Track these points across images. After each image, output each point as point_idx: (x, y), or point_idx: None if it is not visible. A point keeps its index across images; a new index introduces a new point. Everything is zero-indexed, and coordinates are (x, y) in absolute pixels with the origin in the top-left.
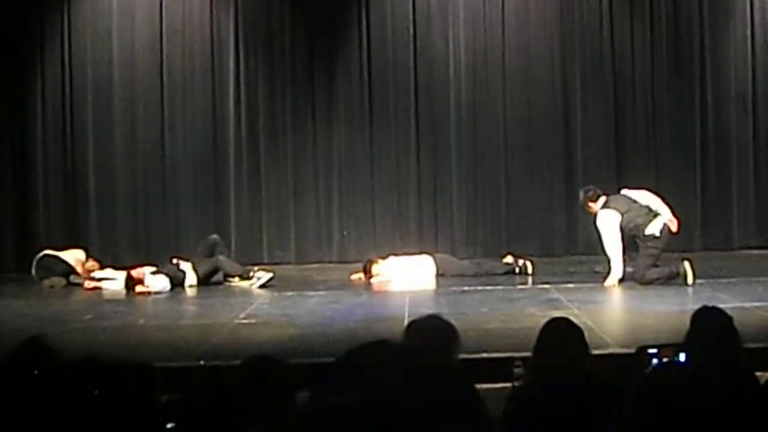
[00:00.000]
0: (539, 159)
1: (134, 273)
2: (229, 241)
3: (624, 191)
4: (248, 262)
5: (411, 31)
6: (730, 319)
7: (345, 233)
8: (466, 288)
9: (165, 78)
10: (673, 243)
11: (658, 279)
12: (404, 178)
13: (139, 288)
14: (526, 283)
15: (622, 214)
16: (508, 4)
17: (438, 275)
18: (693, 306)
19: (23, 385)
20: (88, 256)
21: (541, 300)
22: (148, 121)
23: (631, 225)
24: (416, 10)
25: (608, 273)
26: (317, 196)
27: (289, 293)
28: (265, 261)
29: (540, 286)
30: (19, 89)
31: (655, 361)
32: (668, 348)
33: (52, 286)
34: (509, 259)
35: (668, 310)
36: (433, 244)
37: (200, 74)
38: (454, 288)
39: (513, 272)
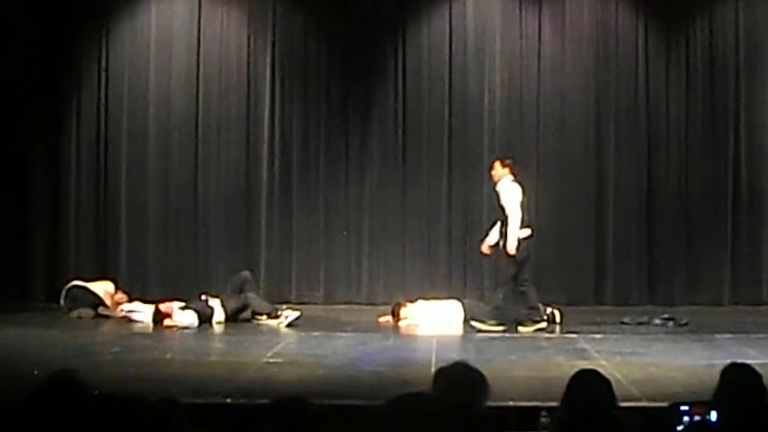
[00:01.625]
0: (570, 207)
1: (162, 307)
2: (258, 278)
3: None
4: (276, 300)
5: (446, 75)
6: (759, 376)
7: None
8: (493, 335)
9: (200, 114)
10: (701, 296)
11: (526, 302)
12: (435, 221)
13: (167, 322)
14: (553, 332)
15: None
16: (544, 51)
17: (466, 320)
18: (720, 361)
19: (51, 420)
20: (117, 288)
21: (569, 349)
22: (181, 157)
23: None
24: (452, 53)
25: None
26: (348, 236)
27: (317, 333)
28: (294, 300)
29: (567, 335)
30: (54, 124)
31: (686, 418)
32: (700, 405)
33: (79, 317)
34: None
35: (695, 365)
36: (462, 289)
37: (235, 112)
38: (481, 334)
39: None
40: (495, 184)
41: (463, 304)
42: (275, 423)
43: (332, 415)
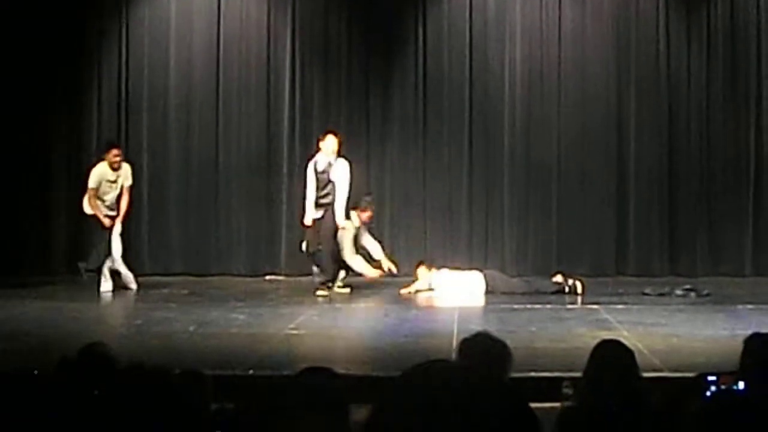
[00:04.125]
0: (591, 178)
1: None
2: (279, 249)
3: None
4: (298, 272)
5: (467, 46)
6: None
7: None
8: (515, 306)
9: (221, 86)
10: (723, 267)
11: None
12: (456, 192)
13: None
14: (575, 303)
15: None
16: (564, 23)
17: (487, 292)
18: (742, 331)
19: (77, 392)
20: (104, 155)
21: (590, 320)
22: (202, 129)
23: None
24: (473, 25)
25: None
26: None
27: (338, 305)
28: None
29: (589, 306)
30: (75, 95)
31: (713, 388)
32: (727, 376)
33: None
34: (559, 278)
35: (717, 335)
36: (483, 259)
37: (256, 83)
38: (503, 305)
39: (562, 291)
40: (330, 156)
41: (484, 275)
42: (301, 394)
43: (355, 385)
